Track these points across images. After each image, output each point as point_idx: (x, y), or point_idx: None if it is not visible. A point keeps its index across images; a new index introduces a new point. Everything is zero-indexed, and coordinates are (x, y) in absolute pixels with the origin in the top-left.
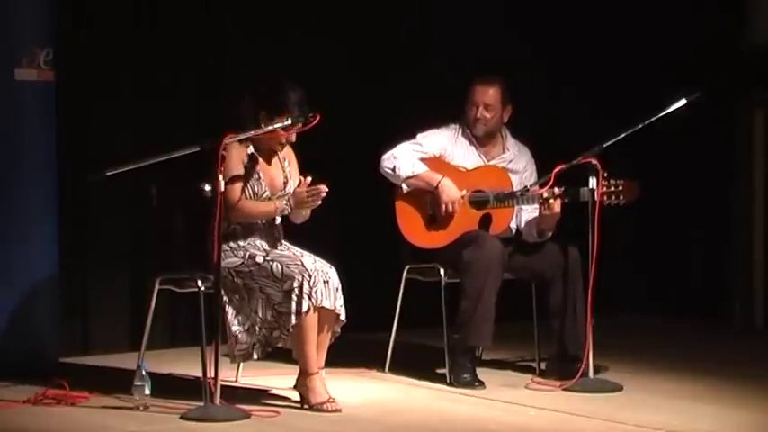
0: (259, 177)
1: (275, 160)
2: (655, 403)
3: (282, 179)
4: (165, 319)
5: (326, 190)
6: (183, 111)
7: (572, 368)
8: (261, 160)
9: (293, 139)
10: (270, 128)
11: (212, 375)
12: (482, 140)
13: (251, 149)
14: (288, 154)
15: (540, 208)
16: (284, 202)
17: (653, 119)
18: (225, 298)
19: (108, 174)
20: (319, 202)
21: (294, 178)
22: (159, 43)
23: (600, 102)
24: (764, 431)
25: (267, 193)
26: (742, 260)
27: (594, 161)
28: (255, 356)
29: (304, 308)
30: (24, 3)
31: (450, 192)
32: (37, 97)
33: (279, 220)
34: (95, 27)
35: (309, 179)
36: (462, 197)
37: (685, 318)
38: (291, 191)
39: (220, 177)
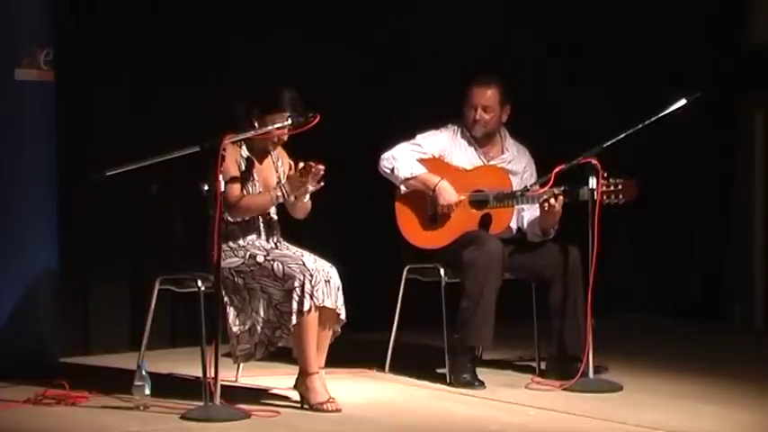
0: (254, 178)
1: (268, 160)
2: (655, 403)
3: (275, 179)
4: (165, 319)
5: (322, 168)
6: (183, 111)
7: (572, 368)
8: (254, 161)
9: (285, 138)
10: (270, 127)
11: (212, 375)
12: (481, 141)
13: (245, 150)
14: (280, 153)
15: (540, 207)
16: (279, 191)
17: (653, 119)
18: (225, 298)
19: (108, 174)
20: (320, 183)
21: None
22: (159, 43)
23: (600, 101)
24: (764, 431)
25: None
26: (742, 260)
27: (594, 161)
28: (258, 356)
29: (305, 307)
30: (24, 3)
31: (448, 194)
32: (37, 97)
33: (275, 217)
34: (95, 27)
35: (301, 164)
36: (461, 200)
37: (685, 318)
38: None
39: (220, 177)
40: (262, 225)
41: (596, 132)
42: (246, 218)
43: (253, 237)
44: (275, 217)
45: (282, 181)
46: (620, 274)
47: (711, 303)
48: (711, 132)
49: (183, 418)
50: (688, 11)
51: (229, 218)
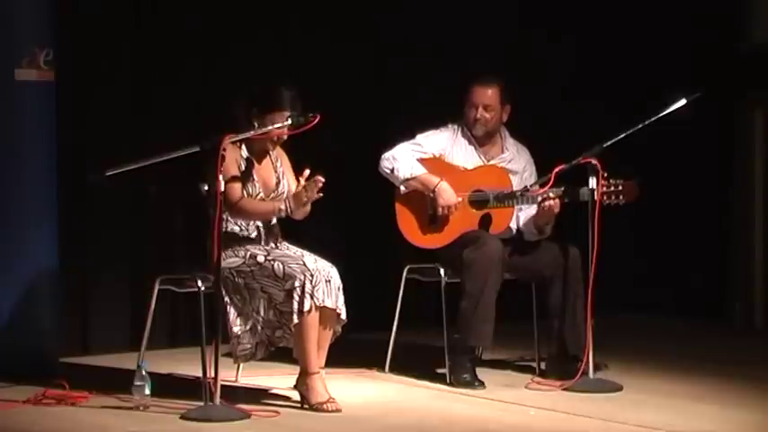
0: (253, 179)
1: (267, 160)
2: (655, 403)
3: (275, 179)
4: (165, 319)
5: (323, 180)
6: (183, 111)
7: (572, 368)
8: (254, 161)
9: (285, 137)
10: (270, 127)
11: (212, 375)
12: (481, 140)
13: (244, 150)
14: (279, 153)
15: (539, 206)
16: (282, 205)
17: (653, 119)
18: (226, 298)
19: (108, 174)
20: (320, 194)
21: (286, 177)
22: (159, 43)
23: (600, 102)
24: (765, 431)
25: (261, 194)
26: (742, 260)
27: (594, 161)
28: (259, 356)
29: (306, 307)
30: (24, 3)
31: (447, 195)
32: (37, 97)
33: (275, 220)
34: (95, 27)
35: (307, 172)
36: (460, 201)
37: (685, 318)
38: (285, 190)
39: (220, 177)
40: (262, 227)
41: (596, 132)
42: (246, 221)
43: (253, 238)
44: (275, 220)
45: (282, 181)
46: (619, 274)
47: (711, 303)
48: (711, 132)
49: (183, 418)
50: (688, 10)
51: (230, 218)
